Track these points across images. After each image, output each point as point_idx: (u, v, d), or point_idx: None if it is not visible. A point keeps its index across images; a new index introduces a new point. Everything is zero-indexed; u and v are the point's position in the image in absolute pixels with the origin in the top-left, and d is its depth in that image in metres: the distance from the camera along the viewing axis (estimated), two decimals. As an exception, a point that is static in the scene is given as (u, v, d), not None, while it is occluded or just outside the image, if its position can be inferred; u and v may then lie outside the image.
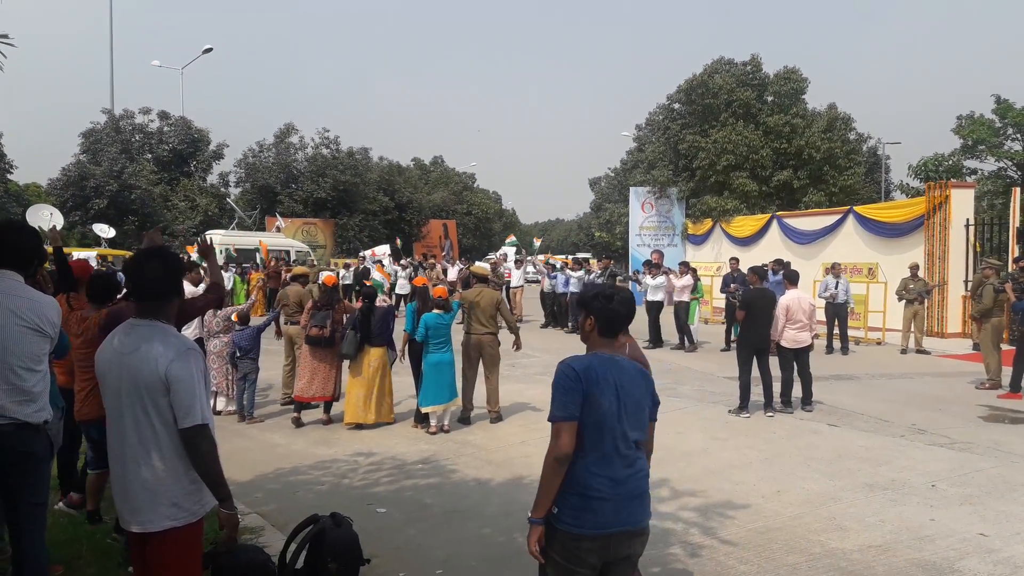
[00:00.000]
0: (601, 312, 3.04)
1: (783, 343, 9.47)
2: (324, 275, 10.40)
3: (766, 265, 15.68)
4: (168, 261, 2.91)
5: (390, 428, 8.53)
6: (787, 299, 9.54)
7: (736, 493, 6.24)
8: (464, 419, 8.82)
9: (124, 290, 6.19)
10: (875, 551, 5.07)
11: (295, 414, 8.71)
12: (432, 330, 8.30)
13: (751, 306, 9.45)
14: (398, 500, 6.13)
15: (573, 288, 17.93)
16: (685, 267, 16.08)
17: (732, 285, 15.61)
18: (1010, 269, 14.99)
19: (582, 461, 2.83)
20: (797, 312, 9.37)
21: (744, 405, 9.16)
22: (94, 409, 4.61)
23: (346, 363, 8.75)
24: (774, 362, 9.59)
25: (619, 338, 3.13)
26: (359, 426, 8.53)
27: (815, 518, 5.68)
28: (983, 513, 5.77)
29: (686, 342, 15.28)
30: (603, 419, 2.83)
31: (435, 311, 8.41)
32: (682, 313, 15.40)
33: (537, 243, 26.95)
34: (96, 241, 27.00)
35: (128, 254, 24.30)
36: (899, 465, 7.05)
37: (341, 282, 17.37)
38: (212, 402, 8.78)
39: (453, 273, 21.16)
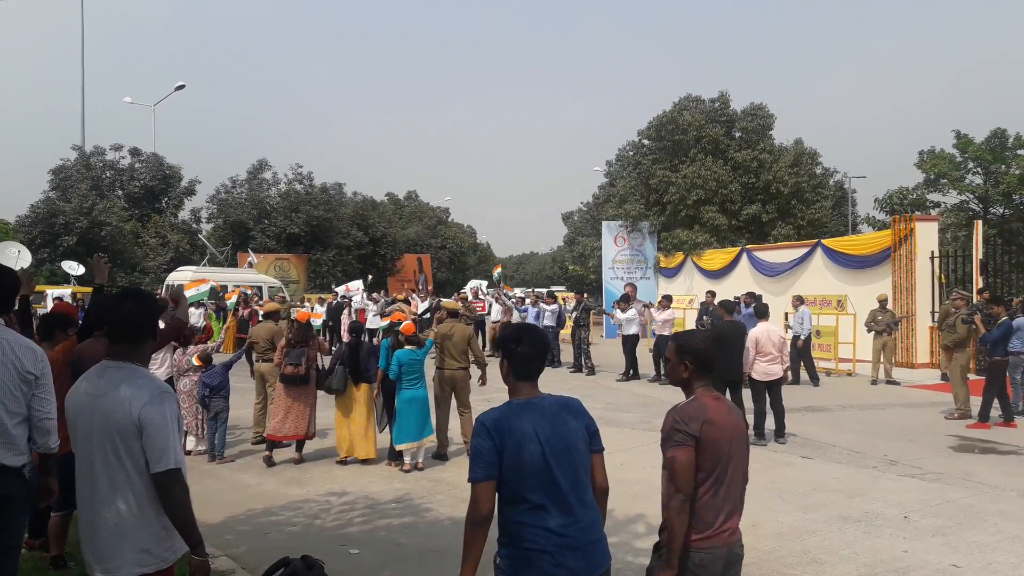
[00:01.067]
0: (510, 354, 2.91)
1: (755, 376, 9.59)
2: (297, 312, 10.34)
3: (738, 298, 15.86)
4: (143, 302, 2.89)
5: (364, 467, 8.44)
6: (757, 332, 9.68)
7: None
8: (441, 455, 8.77)
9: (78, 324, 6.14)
10: (850, 584, 5.08)
11: (267, 453, 8.60)
12: (405, 366, 8.25)
13: (722, 339, 9.52)
14: (372, 540, 6.06)
15: (548, 322, 17.92)
16: (667, 301, 16.19)
17: (705, 317, 15.78)
18: (975, 300, 15.29)
19: (513, 512, 2.73)
20: (767, 344, 9.49)
21: None
22: (64, 443, 4.55)
23: (327, 399, 8.71)
24: (747, 395, 9.69)
25: (532, 381, 2.94)
26: (340, 462, 8.49)
27: (790, 551, 5.70)
28: (955, 544, 5.82)
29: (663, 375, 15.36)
30: (524, 469, 2.69)
31: (407, 347, 8.38)
32: (663, 346, 15.46)
33: (496, 271, 26.64)
34: (65, 278, 26.62)
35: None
36: (872, 497, 7.10)
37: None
38: (182, 442, 8.68)
39: (421, 307, 20.66)
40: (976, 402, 10.98)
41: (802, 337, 14.85)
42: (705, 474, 2.97)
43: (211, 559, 5.22)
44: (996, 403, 10.76)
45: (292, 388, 8.55)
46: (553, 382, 15.44)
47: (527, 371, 2.91)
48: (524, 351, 2.89)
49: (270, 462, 8.50)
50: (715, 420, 3.00)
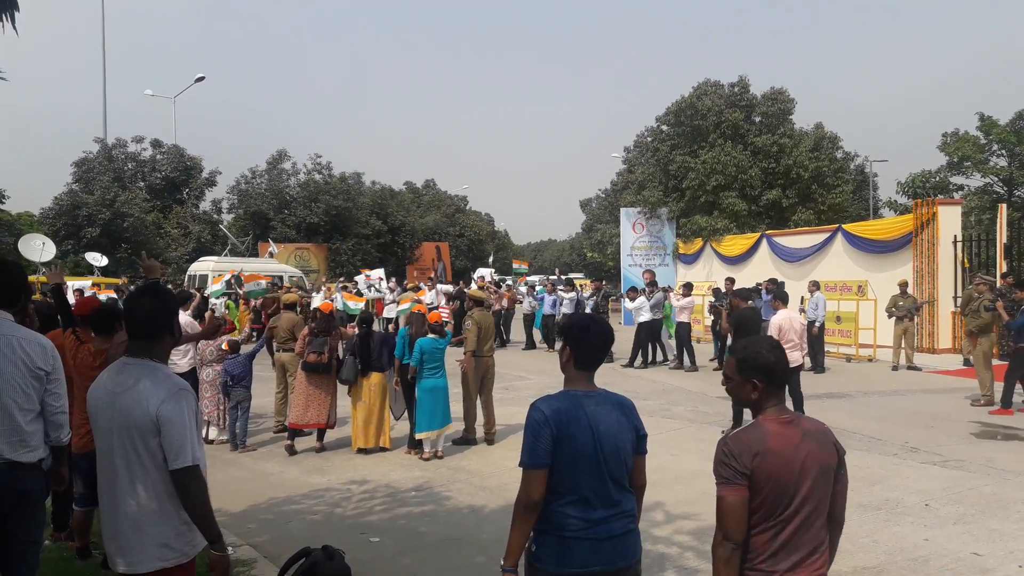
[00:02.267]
0: (576, 343, 2.89)
1: None
2: (320, 302, 10.39)
3: (759, 284, 15.79)
4: (161, 299, 2.92)
5: (384, 455, 8.51)
6: (779, 319, 9.60)
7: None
8: (469, 440, 8.93)
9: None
10: (870, 572, 5.08)
11: (288, 442, 8.69)
12: (427, 355, 8.29)
13: (740, 325, 9.48)
14: (392, 529, 6.11)
15: (566, 309, 17.90)
16: (687, 289, 16.12)
17: (716, 303, 15.78)
18: (998, 285, 15.11)
19: (557, 503, 2.74)
20: (789, 332, 9.41)
21: (738, 424, 9.16)
22: (89, 441, 4.63)
23: (345, 389, 8.77)
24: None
25: (591, 372, 2.95)
26: (360, 451, 8.54)
27: (809, 540, 5.68)
28: (976, 532, 5.78)
29: (686, 361, 15.32)
30: (577, 462, 2.72)
31: (430, 336, 8.42)
32: (684, 333, 15.44)
33: (524, 267, 26.65)
34: (89, 270, 26.95)
35: (120, 281, 24.23)
36: (893, 484, 7.06)
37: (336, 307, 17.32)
38: (204, 432, 8.78)
39: (430, 296, 20.16)
40: (1000, 387, 10.87)
41: (817, 324, 14.75)
42: (761, 515, 2.51)
43: (233, 548, 5.33)
44: (1020, 389, 10.65)
45: (314, 377, 8.63)
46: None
47: (589, 361, 2.90)
48: (590, 340, 2.88)
49: (292, 451, 8.58)
50: (776, 450, 2.49)
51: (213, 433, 9.08)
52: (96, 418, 2.84)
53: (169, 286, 23.83)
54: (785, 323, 9.48)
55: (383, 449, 8.64)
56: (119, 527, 2.77)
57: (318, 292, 20.69)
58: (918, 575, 5.03)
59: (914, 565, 5.18)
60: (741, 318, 9.67)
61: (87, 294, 16.99)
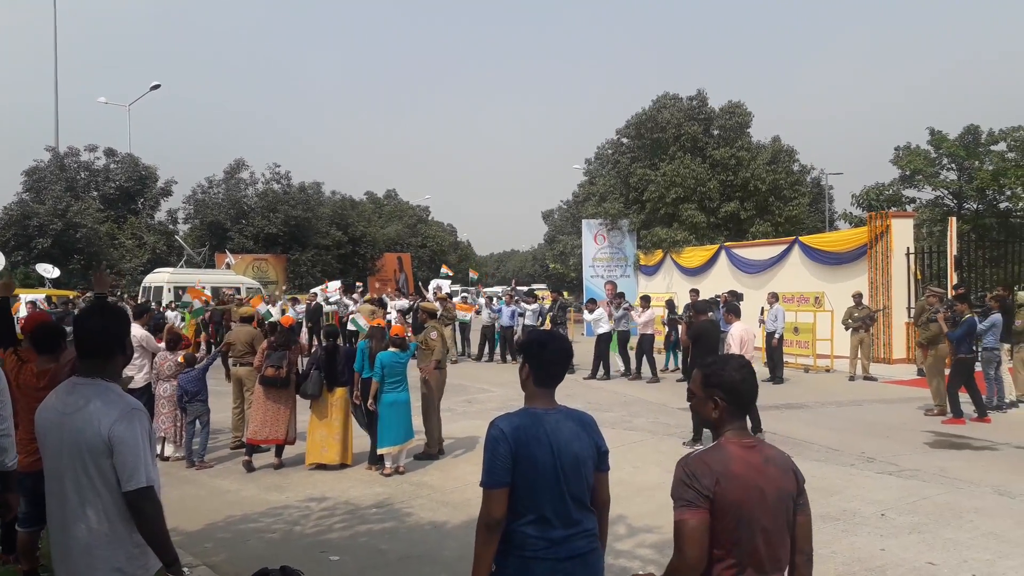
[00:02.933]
0: (535, 359, 2.88)
1: None
2: (279, 315, 10.30)
3: (718, 296, 15.97)
4: (111, 317, 2.85)
5: (343, 471, 8.40)
6: (739, 331, 9.59)
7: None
8: (431, 456, 8.86)
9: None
10: (828, 583, 5.13)
11: (246, 458, 8.54)
12: (388, 368, 8.19)
13: (699, 338, 9.52)
14: (352, 547, 6.03)
15: (528, 321, 17.89)
16: (645, 301, 16.25)
17: (677, 314, 15.98)
18: (950, 295, 15.48)
19: (517, 523, 2.72)
20: (749, 344, 9.46)
21: (698, 436, 9.22)
22: (36, 460, 4.48)
23: (307, 403, 8.66)
24: None
25: (551, 389, 2.92)
26: (318, 467, 8.41)
27: (769, 551, 5.72)
28: (931, 541, 5.88)
29: (646, 372, 15.44)
30: (537, 481, 2.70)
31: (391, 349, 8.33)
32: (646, 344, 15.57)
33: (473, 275, 26.65)
34: (40, 281, 26.31)
35: (73, 294, 23.67)
36: (850, 495, 7.16)
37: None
38: (160, 448, 8.58)
39: (393, 307, 19.48)
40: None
41: (776, 335, 14.99)
42: (723, 548, 2.39)
43: (189, 569, 5.20)
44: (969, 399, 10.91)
45: (272, 391, 8.49)
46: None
47: (548, 378, 2.89)
48: (549, 357, 2.88)
49: (250, 467, 8.43)
50: (739, 475, 2.39)
51: (169, 450, 8.89)
52: (44, 439, 2.75)
53: (125, 297, 23.41)
54: (746, 335, 9.51)
55: (344, 465, 8.53)
56: (69, 551, 2.69)
57: (274, 305, 20.39)
58: (876, 585, 5.09)
59: (871, 575, 5.25)
60: (700, 331, 9.75)
61: (39, 308, 16.60)
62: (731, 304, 10.46)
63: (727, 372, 2.53)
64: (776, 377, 14.71)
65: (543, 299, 20.34)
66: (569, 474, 2.73)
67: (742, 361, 2.62)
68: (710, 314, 10.22)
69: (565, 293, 26.05)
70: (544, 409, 2.83)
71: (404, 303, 20.64)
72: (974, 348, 11.34)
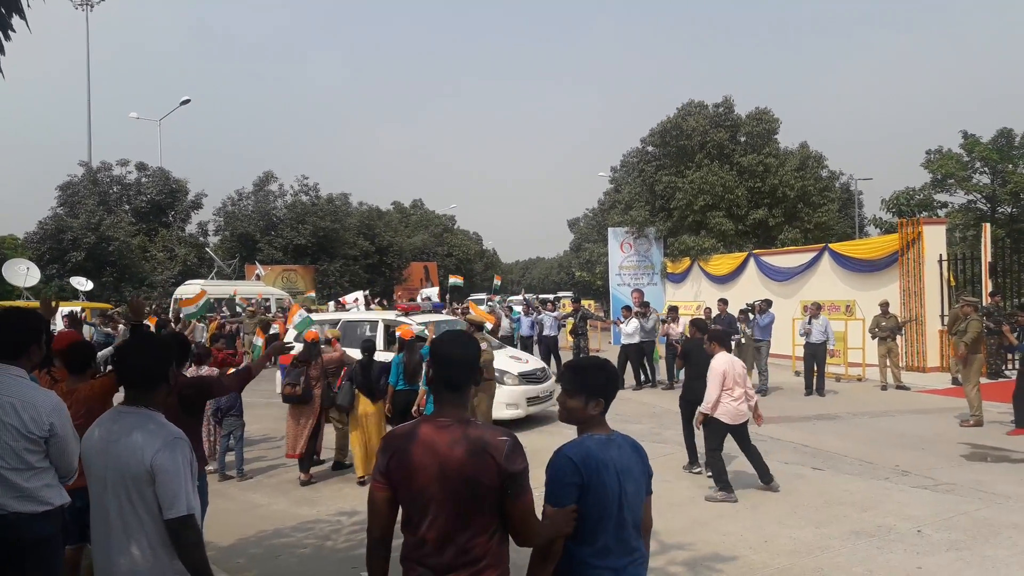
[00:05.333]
0: (608, 397, 2.88)
1: (723, 418, 7.69)
2: (307, 332, 10.35)
3: (750, 304, 15.79)
4: (154, 350, 2.90)
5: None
6: (723, 363, 7.74)
7: (724, 544, 6.22)
8: None
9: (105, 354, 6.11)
10: (864, 603, 5.06)
11: (301, 474, 8.63)
12: None
13: (689, 355, 8.83)
14: (384, 562, 6.04)
15: (548, 331, 17.84)
16: (674, 312, 16.14)
17: (715, 325, 15.82)
18: (985, 303, 15.22)
19: (580, 551, 2.70)
20: (731, 379, 7.68)
21: (693, 460, 8.82)
22: (81, 478, 4.56)
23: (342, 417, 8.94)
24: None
25: (604, 414, 2.94)
26: (363, 481, 8.47)
27: (803, 569, 5.67)
28: (969, 559, 5.78)
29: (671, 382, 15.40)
30: (604, 508, 2.69)
31: None
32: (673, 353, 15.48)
33: (497, 281, 26.53)
34: (74, 294, 26.74)
35: (107, 307, 24.04)
36: (885, 510, 7.06)
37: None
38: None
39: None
40: (989, 407, 10.93)
41: (830, 346, 14.71)
42: (405, 524, 2.57)
43: (224, 587, 5.25)
44: (998, 406, 10.70)
45: (295, 408, 8.65)
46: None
47: (606, 407, 2.90)
48: (611, 388, 2.90)
49: (304, 482, 8.54)
50: (414, 454, 2.49)
51: (201, 463, 8.99)
52: (90, 467, 2.82)
53: (154, 307, 23.70)
54: (729, 368, 7.70)
55: None
56: (113, 576, 2.74)
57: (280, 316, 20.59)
58: (913, 605, 5.01)
59: (909, 594, 5.17)
60: (691, 348, 8.97)
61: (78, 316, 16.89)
62: (716, 332, 8.33)
63: (440, 345, 2.66)
64: (820, 389, 14.50)
65: (561, 307, 20.18)
66: (630, 499, 2.76)
67: (462, 335, 2.72)
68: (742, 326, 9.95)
69: (586, 301, 25.96)
70: (607, 436, 2.83)
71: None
72: None
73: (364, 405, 8.62)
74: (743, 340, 15.17)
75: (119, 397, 3.28)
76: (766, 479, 7.85)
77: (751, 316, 15.34)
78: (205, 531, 6.16)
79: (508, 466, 2.44)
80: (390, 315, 12.59)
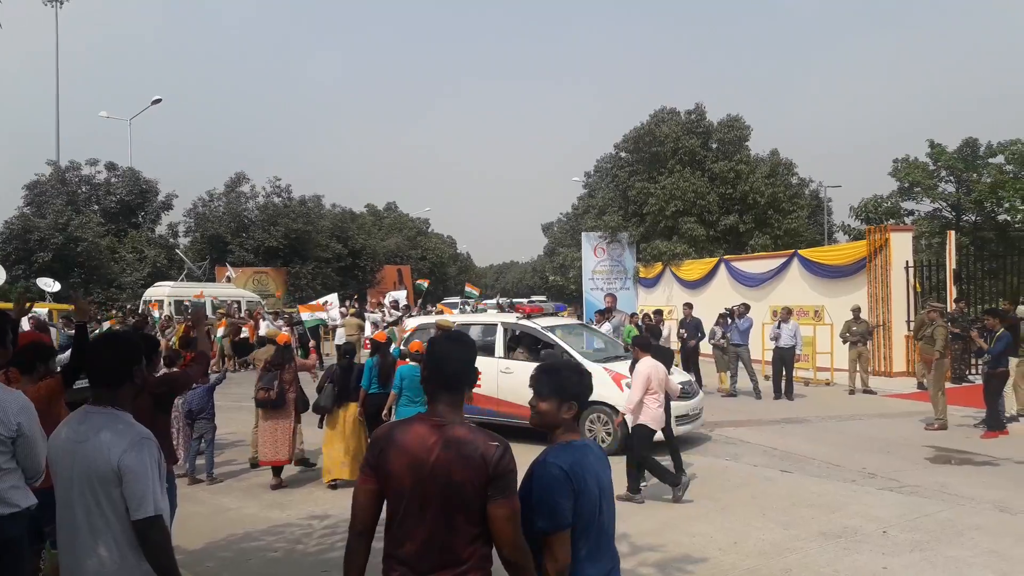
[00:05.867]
0: (583, 401, 2.79)
1: (649, 424, 7.77)
2: (265, 330, 10.30)
3: (729, 309, 15.92)
4: (120, 348, 2.88)
5: (346, 490, 8.40)
6: (647, 368, 7.83)
7: (693, 546, 6.28)
8: None
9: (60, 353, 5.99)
10: (830, 603, 5.14)
11: (274, 481, 8.56)
12: (407, 381, 8.24)
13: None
14: (355, 566, 6.02)
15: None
16: (659, 315, 16.26)
17: (682, 330, 15.94)
18: (950, 309, 15.51)
19: (578, 561, 2.61)
20: (656, 382, 7.81)
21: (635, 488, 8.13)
22: (46, 479, 4.50)
23: (316, 421, 8.80)
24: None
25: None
26: (331, 484, 8.44)
27: (771, 570, 5.74)
28: (933, 560, 5.89)
29: None
30: (590, 517, 2.63)
31: (411, 363, 8.38)
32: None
33: (473, 291, 26.14)
34: (40, 295, 26.31)
35: (70, 308, 23.66)
36: (851, 511, 7.17)
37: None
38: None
39: (369, 323, 20.02)
40: (954, 411, 11.15)
41: (797, 351, 15.00)
42: (390, 519, 2.53)
43: (192, 590, 5.21)
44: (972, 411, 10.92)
45: (269, 412, 8.55)
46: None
47: (580, 410, 2.81)
48: (589, 396, 2.85)
49: (277, 487, 8.48)
50: (403, 449, 2.47)
51: (169, 467, 8.90)
52: (56, 468, 2.79)
53: (125, 311, 23.39)
54: (654, 373, 7.82)
55: (351, 482, 8.56)
56: (78, 579, 2.71)
57: (260, 319, 20.43)
58: (878, 604, 5.09)
59: (874, 594, 5.26)
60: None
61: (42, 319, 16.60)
62: (641, 339, 8.66)
63: (438, 345, 2.64)
64: (789, 393, 14.71)
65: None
66: (608, 505, 2.74)
67: (461, 336, 2.77)
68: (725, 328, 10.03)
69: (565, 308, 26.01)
70: (582, 442, 2.75)
71: (377, 316, 20.71)
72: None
73: (344, 408, 8.62)
74: (725, 344, 15.36)
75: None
76: (678, 483, 7.70)
77: (729, 321, 15.51)
78: (174, 535, 6.11)
79: (493, 470, 2.40)
80: (510, 318, 11.56)
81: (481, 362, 8.41)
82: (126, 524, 2.67)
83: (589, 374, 2.88)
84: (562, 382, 2.75)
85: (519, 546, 2.43)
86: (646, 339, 8.57)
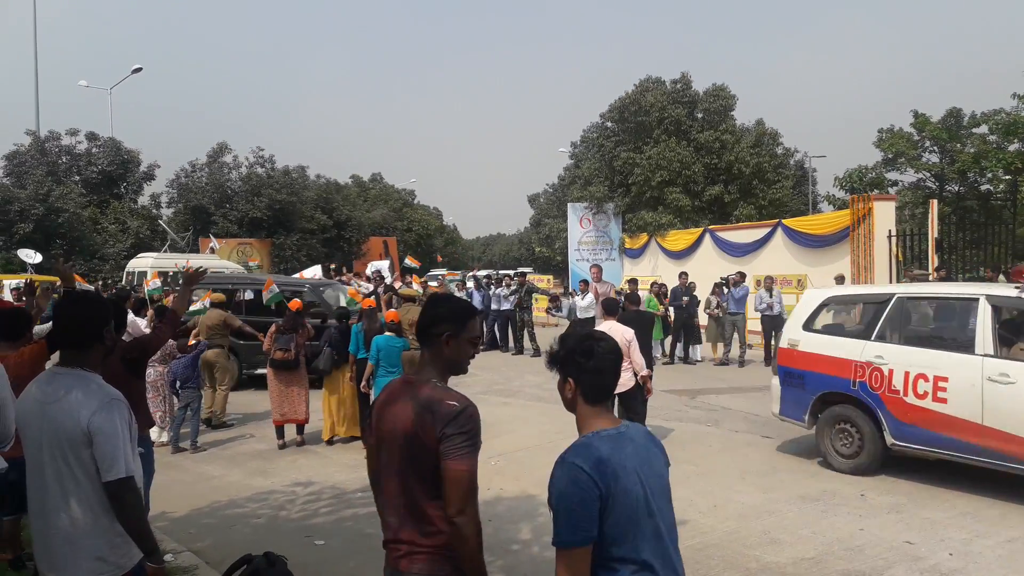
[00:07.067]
0: (580, 372, 2.32)
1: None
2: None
3: (724, 279, 15.98)
4: (91, 307, 2.85)
5: (328, 457, 8.44)
6: (610, 331, 7.12)
7: (675, 509, 6.33)
8: None
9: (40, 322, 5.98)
10: (808, 563, 5.22)
11: (280, 441, 8.85)
12: (383, 352, 8.28)
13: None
14: (338, 531, 6.07)
15: (507, 305, 17.89)
16: (634, 284, 16.23)
17: (685, 298, 15.95)
18: (931, 277, 15.62)
19: None
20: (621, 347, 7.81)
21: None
22: (17, 448, 4.48)
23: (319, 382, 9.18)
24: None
25: (607, 403, 2.37)
26: (330, 441, 8.92)
27: (750, 532, 5.82)
28: (909, 521, 5.98)
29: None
30: (630, 520, 2.13)
31: (387, 334, 8.42)
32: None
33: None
34: (22, 267, 26.06)
35: (55, 280, 23.46)
36: (830, 476, 7.27)
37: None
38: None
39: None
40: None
41: (785, 317, 15.17)
42: (379, 473, 2.58)
43: (174, 555, 5.23)
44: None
45: (283, 373, 8.85)
46: (496, 364, 15.60)
47: (601, 392, 2.34)
48: (596, 366, 2.31)
49: (282, 447, 8.80)
50: (381, 409, 2.53)
51: (154, 434, 8.87)
52: (25, 430, 2.75)
53: (108, 283, 23.25)
54: (618, 337, 7.41)
55: (355, 438, 8.91)
56: (50, 542, 2.69)
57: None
58: (853, 564, 5.18)
59: (850, 555, 5.34)
60: (628, 320, 8.77)
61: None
62: (607, 301, 8.53)
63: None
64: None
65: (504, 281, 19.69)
66: (661, 503, 2.23)
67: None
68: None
69: (544, 277, 26.00)
70: (617, 431, 2.27)
71: (368, 287, 20.59)
72: None
73: (341, 371, 9.04)
74: (720, 314, 15.48)
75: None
76: None
77: (725, 290, 15.63)
78: (158, 502, 6.14)
79: (444, 427, 2.32)
80: (1001, 291, 7.02)
81: (947, 363, 6.74)
82: (97, 486, 2.65)
83: (584, 342, 2.37)
84: (560, 354, 2.40)
85: (463, 511, 2.31)
86: (614, 302, 8.48)
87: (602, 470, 2.11)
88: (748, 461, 7.86)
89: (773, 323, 15.16)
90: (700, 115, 28.93)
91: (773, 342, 15.00)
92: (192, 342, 9.61)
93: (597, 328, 7.76)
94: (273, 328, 9.10)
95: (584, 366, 2.30)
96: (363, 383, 8.55)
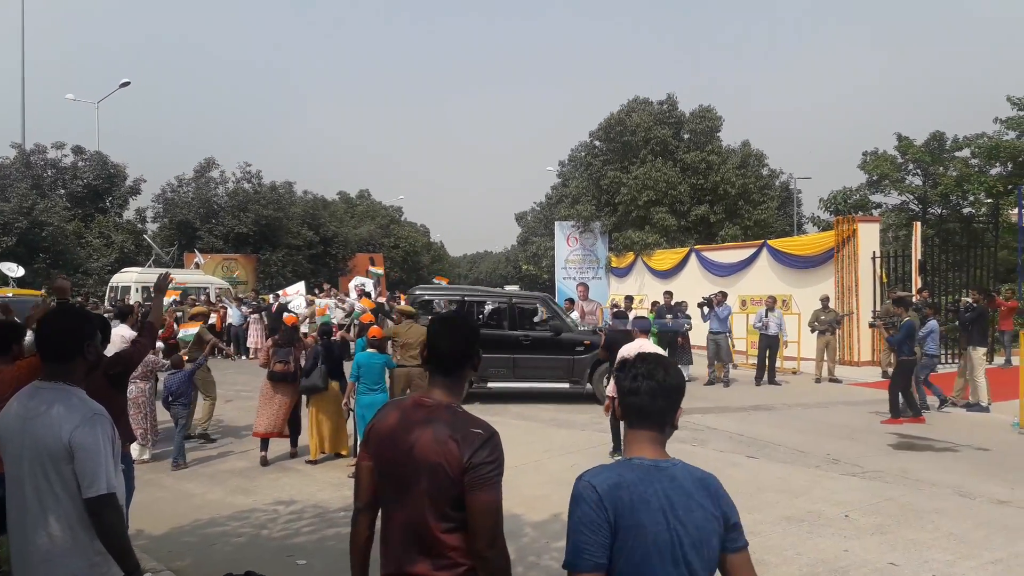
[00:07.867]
0: (622, 395, 2.17)
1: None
2: (235, 317, 10.54)
3: (707, 297, 16.07)
4: (73, 320, 2.81)
5: (311, 475, 8.35)
6: (634, 349, 7.50)
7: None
8: None
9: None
10: (792, 584, 5.20)
11: (262, 453, 8.78)
12: (364, 369, 8.26)
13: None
14: (320, 550, 6.00)
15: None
16: (629, 301, 16.44)
17: (669, 316, 16.02)
18: (915, 299, 15.74)
19: None
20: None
21: (617, 447, 8.69)
22: None
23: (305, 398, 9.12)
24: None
25: (653, 431, 2.14)
26: (313, 462, 8.73)
27: (735, 553, 5.78)
28: (893, 542, 5.98)
29: None
30: (649, 564, 1.94)
31: (368, 350, 8.42)
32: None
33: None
34: (3, 280, 25.82)
35: (39, 294, 23.24)
36: (815, 496, 7.26)
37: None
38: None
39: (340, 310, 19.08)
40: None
41: (785, 338, 15.44)
42: (380, 499, 2.42)
43: (153, 574, 5.16)
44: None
45: (280, 386, 8.85)
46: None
47: (636, 415, 2.14)
48: (631, 387, 2.15)
49: (264, 462, 8.71)
50: (387, 430, 2.37)
51: (135, 451, 8.78)
52: (6, 445, 2.71)
53: (92, 300, 23.05)
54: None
55: (340, 455, 8.91)
56: (29, 558, 2.64)
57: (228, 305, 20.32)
58: (838, 586, 5.17)
59: (834, 576, 5.33)
60: (612, 340, 9.45)
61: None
62: (638, 319, 9.21)
63: (433, 326, 2.51)
64: (772, 379, 15.26)
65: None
66: (692, 558, 1.97)
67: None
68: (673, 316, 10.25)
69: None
70: (653, 462, 2.07)
71: (352, 301, 20.47)
72: (915, 351, 11.53)
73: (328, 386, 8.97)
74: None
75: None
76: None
77: (707, 310, 15.67)
78: (137, 520, 6.06)
79: (471, 457, 2.20)
80: None
81: None
82: (78, 502, 2.61)
83: (647, 364, 2.20)
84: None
85: (493, 544, 2.19)
86: (645, 320, 9.17)
87: (616, 495, 1.96)
88: (734, 481, 7.81)
89: (770, 342, 15.29)
90: (687, 136, 29.20)
91: (768, 362, 15.17)
92: (186, 358, 9.64)
93: (632, 346, 8.07)
94: (270, 342, 9.22)
95: (623, 386, 2.17)
96: (343, 402, 8.69)
